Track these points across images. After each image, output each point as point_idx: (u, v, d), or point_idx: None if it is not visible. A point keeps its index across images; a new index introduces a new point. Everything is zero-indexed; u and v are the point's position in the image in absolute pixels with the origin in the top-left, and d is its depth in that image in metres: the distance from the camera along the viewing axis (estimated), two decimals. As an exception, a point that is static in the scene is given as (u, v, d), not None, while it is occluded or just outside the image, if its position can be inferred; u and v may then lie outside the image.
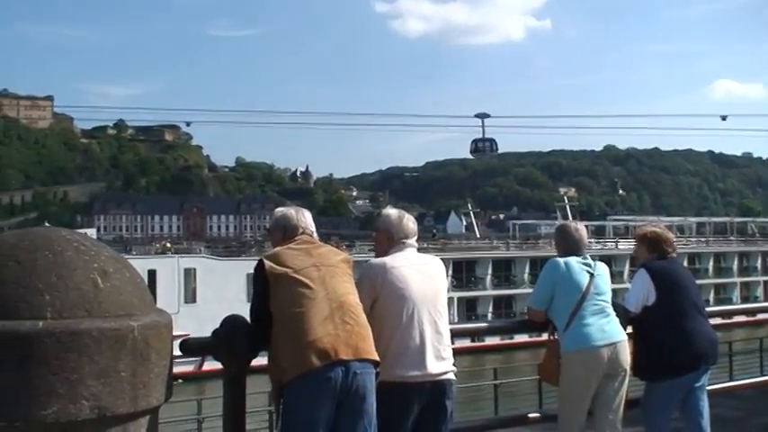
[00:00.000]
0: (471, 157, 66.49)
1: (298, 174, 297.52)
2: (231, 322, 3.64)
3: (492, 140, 55.91)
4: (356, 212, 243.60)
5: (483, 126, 54.61)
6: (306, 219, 4.07)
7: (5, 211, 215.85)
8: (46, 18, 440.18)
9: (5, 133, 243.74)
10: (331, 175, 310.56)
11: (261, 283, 3.72)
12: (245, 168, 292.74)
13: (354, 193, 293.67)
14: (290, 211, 4.12)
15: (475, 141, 56.69)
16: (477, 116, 55.11)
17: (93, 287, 2.70)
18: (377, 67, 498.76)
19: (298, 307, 3.60)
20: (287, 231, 4.00)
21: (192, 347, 3.68)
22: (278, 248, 3.89)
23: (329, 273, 3.75)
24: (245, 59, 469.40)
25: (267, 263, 3.72)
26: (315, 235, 4.06)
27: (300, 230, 3.99)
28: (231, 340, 3.59)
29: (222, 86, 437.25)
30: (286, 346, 3.58)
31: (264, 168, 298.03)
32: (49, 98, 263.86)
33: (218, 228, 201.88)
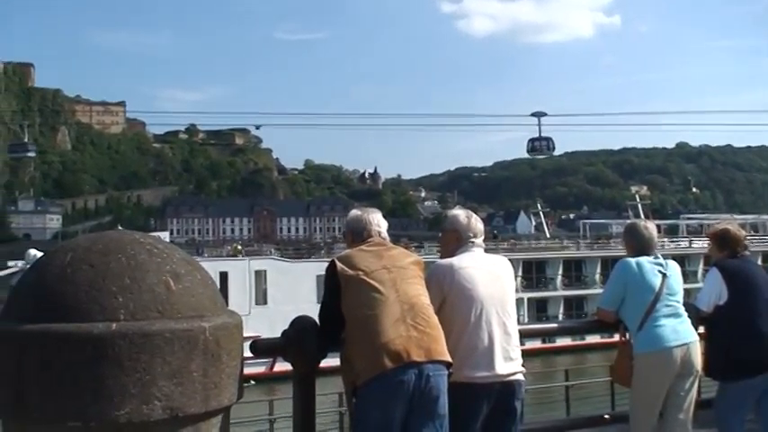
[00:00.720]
0: (540, 157, 65.91)
1: (366, 175, 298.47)
2: (301, 324, 3.66)
3: (549, 139, 55.20)
4: (425, 213, 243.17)
5: (539, 125, 54.02)
6: (377, 221, 4.06)
7: (80, 215, 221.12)
8: (116, 25, 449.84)
9: (79, 139, 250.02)
10: (399, 176, 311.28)
11: (332, 285, 3.73)
12: (314, 170, 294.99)
13: (423, 194, 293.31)
14: (360, 213, 4.13)
15: (531, 141, 56.09)
16: (533, 115, 54.49)
17: (166, 289, 2.74)
18: (444, 67, 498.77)
19: (369, 309, 3.60)
20: (357, 234, 4.00)
21: (262, 348, 3.71)
22: (349, 250, 3.90)
23: (400, 275, 3.74)
24: (313, 62, 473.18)
25: (339, 265, 3.73)
26: (385, 236, 4.05)
27: (371, 233, 3.99)
28: (301, 341, 3.61)
29: (291, 89, 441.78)
30: (358, 349, 3.59)
31: (333, 170, 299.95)
32: (122, 104, 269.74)
33: (288, 230, 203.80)
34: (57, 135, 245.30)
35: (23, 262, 39.36)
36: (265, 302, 39.07)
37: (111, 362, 2.55)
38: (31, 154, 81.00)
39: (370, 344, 3.54)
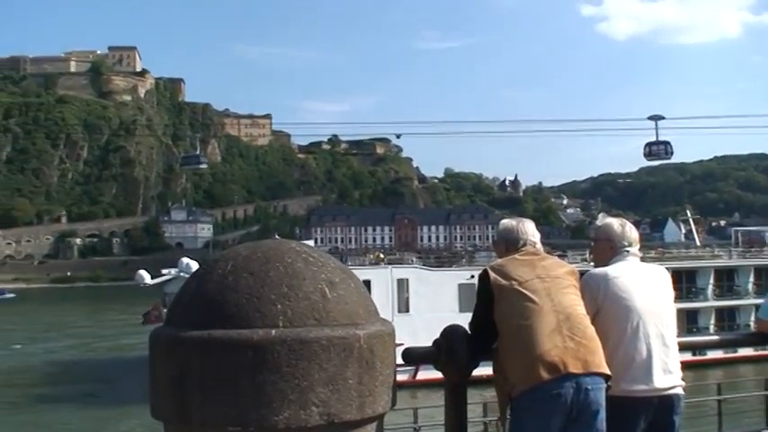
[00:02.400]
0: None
1: (506, 183, 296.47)
2: (452, 333, 3.62)
3: (666, 143, 53.44)
4: (567, 221, 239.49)
5: (656, 129, 52.38)
6: (529, 230, 4.01)
7: (229, 225, 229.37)
8: (262, 40, 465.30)
9: (228, 151, 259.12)
10: (540, 183, 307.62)
11: (485, 295, 3.69)
12: (455, 179, 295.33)
13: (565, 202, 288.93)
14: (511, 222, 4.09)
15: (648, 145, 54.34)
16: (650, 118, 52.94)
17: (322, 297, 2.77)
18: (585, 70, 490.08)
19: (524, 320, 3.54)
20: (509, 243, 3.96)
21: (413, 357, 3.70)
22: (502, 260, 3.86)
23: (555, 284, 3.67)
24: (453, 70, 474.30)
25: (492, 274, 3.69)
26: (539, 246, 4.00)
27: (523, 242, 3.94)
28: (453, 351, 3.58)
29: (431, 98, 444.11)
30: (513, 360, 3.55)
31: (473, 178, 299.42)
32: (268, 116, 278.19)
33: (429, 238, 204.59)
34: (207, 147, 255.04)
35: (176, 269, 41.18)
36: (407, 310, 39.28)
37: (271, 368, 2.60)
38: (203, 166, 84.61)
39: (526, 355, 3.49)
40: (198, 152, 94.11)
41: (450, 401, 3.70)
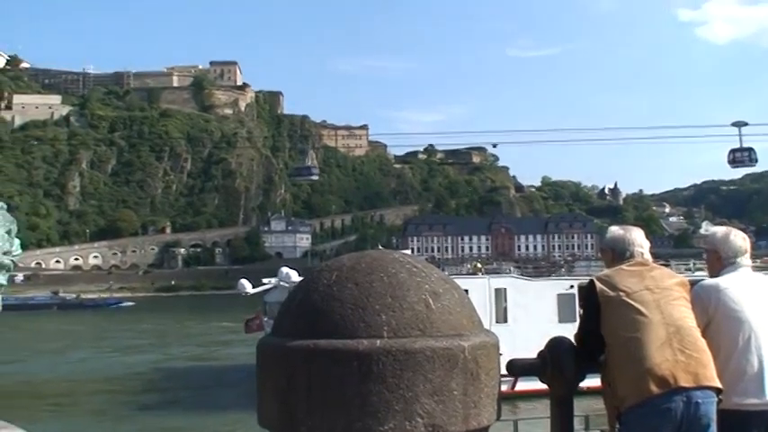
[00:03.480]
0: (742, 169, 62.36)
1: (606, 191, 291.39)
2: (558, 345, 3.57)
3: (750, 150, 52.16)
4: (669, 230, 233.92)
5: (740, 135, 51.20)
6: (638, 239, 3.93)
7: (327, 235, 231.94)
8: (357, 52, 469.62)
9: (326, 162, 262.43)
10: (641, 191, 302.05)
11: (591, 306, 3.63)
12: (552, 187, 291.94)
13: (666, 210, 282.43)
14: (622, 231, 4.00)
15: (732, 151, 53.22)
16: (733, 125, 51.81)
17: (426, 308, 2.76)
18: (684, 76, 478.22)
19: (632, 332, 3.47)
20: (618, 253, 3.88)
21: (518, 369, 3.66)
22: (609, 270, 3.79)
23: (664, 296, 3.58)
24: (548, 78, 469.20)
25: (598, 285, 3.63)
26: (648, 256, 3.91)
27: (633, 252, 3.86)
28: (559, 363, 3.52)
29: (526, 107, 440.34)
30: (622, 373, 3.47)
31: (571, 186, 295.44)
32: (364, 127, 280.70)
33: (526, 247, 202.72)
34: (305, 159, 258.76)
35: (276, 279, 41.73)
36: (505, 321, 38.81)
37: (376, 378, 2.60)
38: (315, 177, 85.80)
39: (635, 368, 3.41)
40: (309, 164, 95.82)
41: (556, 415, 3.64)
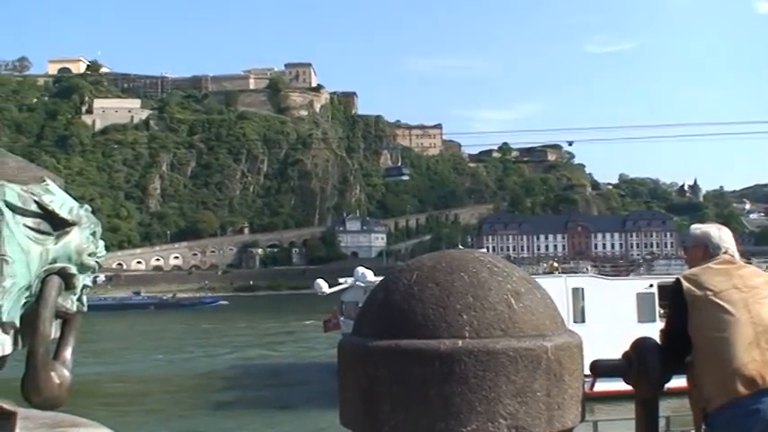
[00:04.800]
0: None
1: (685, 188, 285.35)
2: (643, 345, 3.48)
3: None
4: (750, 227, 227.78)
5: None
6: (727, 238, 3.85)
7: (402, 234, 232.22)
8: (430, 51, 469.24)
9: (400, 161, 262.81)
10: (721, 187, 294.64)
11: (677, 305, 3.56)
12: (630, 185, 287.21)
13: (747, 206, 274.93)
14: (712, 228, 3.92)
15: None
16: None
17: (507, 307, 2.73)
18: (764, 69, 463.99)
19: (719, 332, 3.40)
20: (708, 250, 3.80)
21: (602, 370, 3.59)
22: (696, 269, 3.71)
23: (752, 295, 3.49)
24: (625, 74, 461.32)
25: (685, 284, 3.55)
26: (736, 255, 3.82)
27: (722, 250, 3.78)
28: (644, 364, 3.44)
29: (602, 103, 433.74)
30: (709, 373, 3.41)
31: (649, 184, 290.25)
32: (438, 126, 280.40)
33: (603, 246, 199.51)
34: (380, 159, 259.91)
35: (352, 278, 41.98)
36: (583, 321, 38.32)
37: (458, 378, 2.58)
38: (405, 177, 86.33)
39: (722, 368, 3.34)
40: (400, 164, 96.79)
41: (641, 417, 3.56)
